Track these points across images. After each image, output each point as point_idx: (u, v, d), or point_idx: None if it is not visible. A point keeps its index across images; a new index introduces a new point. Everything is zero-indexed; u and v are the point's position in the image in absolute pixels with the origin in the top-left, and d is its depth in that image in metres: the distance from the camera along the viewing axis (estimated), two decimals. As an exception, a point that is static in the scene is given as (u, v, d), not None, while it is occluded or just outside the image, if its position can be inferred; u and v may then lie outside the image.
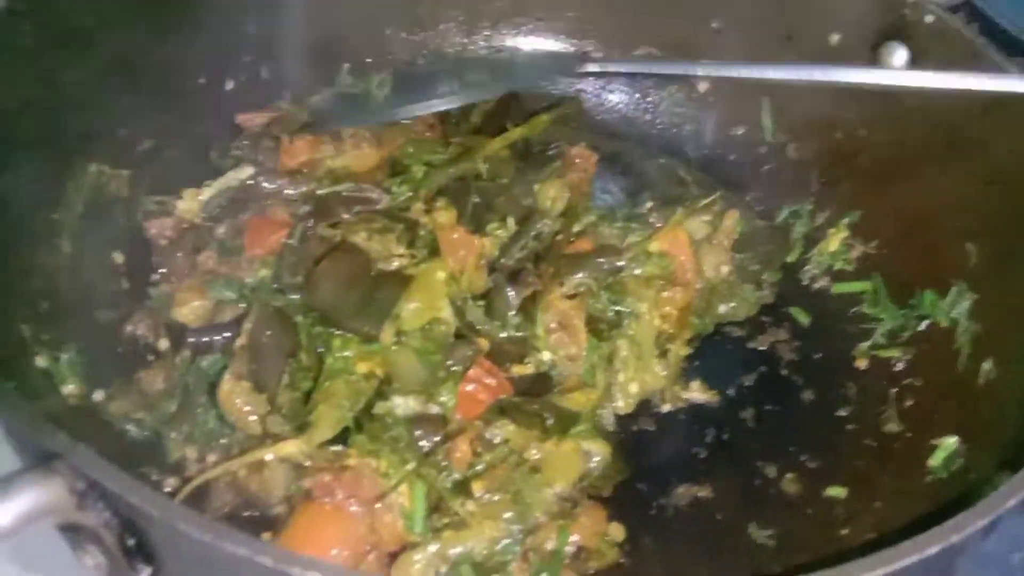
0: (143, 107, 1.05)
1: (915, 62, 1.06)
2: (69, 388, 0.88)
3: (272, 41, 1.15)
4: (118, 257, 1.02)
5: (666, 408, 1.00)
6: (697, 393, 1.02)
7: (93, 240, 1.00)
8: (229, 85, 1.15)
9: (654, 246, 1.02)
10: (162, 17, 1.05)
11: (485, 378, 0.90)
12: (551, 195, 1.07)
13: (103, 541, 0.59)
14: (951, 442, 0.89)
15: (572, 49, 1.28)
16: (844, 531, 0.88)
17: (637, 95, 1.28)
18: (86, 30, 0.97)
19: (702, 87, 1.26)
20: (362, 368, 0.89)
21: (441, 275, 0.95)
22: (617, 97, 1.29)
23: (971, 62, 1.00)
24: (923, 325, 1.02)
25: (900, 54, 1.07)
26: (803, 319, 1.09)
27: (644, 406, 0.99)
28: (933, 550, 0.55)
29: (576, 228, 1.04)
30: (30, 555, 0.75)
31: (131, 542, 0.59)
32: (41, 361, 0.87)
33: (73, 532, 0.60)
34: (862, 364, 1.04)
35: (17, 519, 0.55)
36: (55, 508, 0.56)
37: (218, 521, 0.56)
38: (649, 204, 1.06)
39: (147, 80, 1.05)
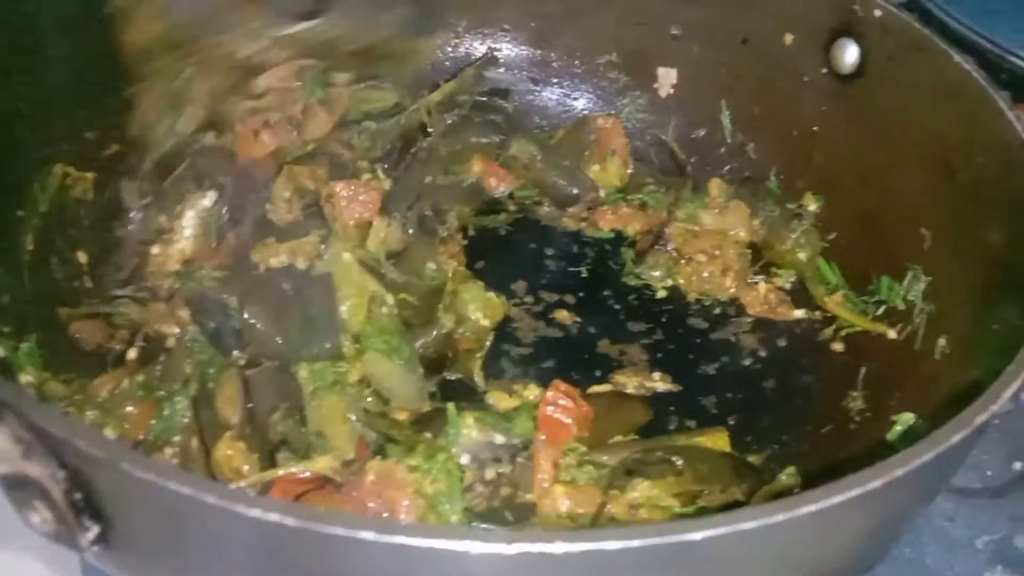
0: (111, 110, 1.07)
1: (866, 58, 1.09)
2: (26, 377, 0.87)
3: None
4: (82, 256, 1.03)
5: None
6: (660, 383, 1.02)
7: (57, 239, 1.00)
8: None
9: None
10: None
11: (561, 399, 0.89)
12: (610, 172, 1.14)
13: (49, 495, 0.58)
14: (908, 417, 0.89)
15: (538, 56, 1.31)
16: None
17: (601, 101, 1.31)
18: (52, 32, 0.99)
19: (663, 92, 1.29)
20: (353, 376, 0.89)
21: (347, 255, 0.94)
22: (581, 103, 1.32)
23: (919, 54, 1.02)
24: (881, 310, 1.03)
25: (852, 51, 1.10)
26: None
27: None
28: (876, 484, 0.55)
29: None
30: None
31: (78, 496, 0.59)
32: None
33: (19, 489, 0.59)
34: (838, 347, 1.06)
35: (-40, 466, 0.55)
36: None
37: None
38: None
39: (115, 83, 1.07)
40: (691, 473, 0.86)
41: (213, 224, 1.01)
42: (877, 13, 1.06)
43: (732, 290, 1.12)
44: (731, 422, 0.99)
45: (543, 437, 0.87)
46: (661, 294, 1.12)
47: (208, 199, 1.04)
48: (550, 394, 0.89)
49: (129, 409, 0.85)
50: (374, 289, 0.93)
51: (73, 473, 0.58)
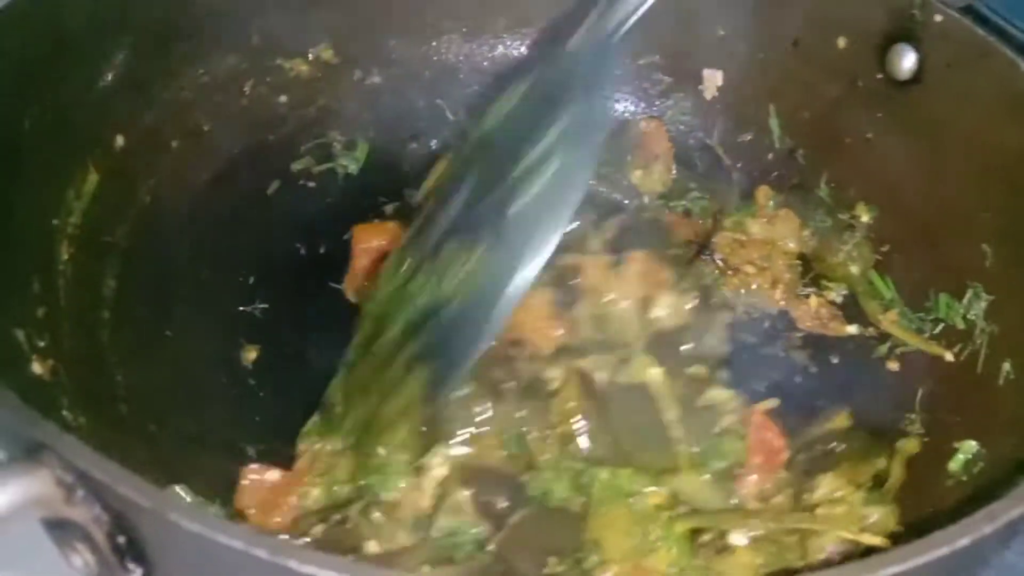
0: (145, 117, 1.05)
1: (924, 64, 1.04)
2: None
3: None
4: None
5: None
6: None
7: (92, 248, 0.98)
8: (243, 101, 1.15)
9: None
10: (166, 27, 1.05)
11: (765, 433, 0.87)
12: (653, 178, 1.11)
13: (92, 538, 0.56)
14: (971, 445, 0.86)
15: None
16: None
17: (643, 104, 1.27)
18: (87, 37, 0.97)
19: (709, 94, 1.25)
20: (654, 500, 0.82)
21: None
22: (622, 107, 1.28)
23: (982, 62, 0.98)
24: (939, 328, 1.00)
25: (909, 57, 1.06)
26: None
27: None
28: (964, 542, 0.52)
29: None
30: (14, 555, 0.72)
31: (121, 539, 0.57)
32: (37, 368, 0.84)
33: (60, 529, 0.57)
34: (893, 366, 1.02)
35: (3, 511, 0.53)
36: (42, 501, 0.54)
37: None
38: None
39: (149, 90, 1.06)
40: (852, 454, 0.86)
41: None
42: (937, 18, 1.02)
43: (782, 303, 1.09)
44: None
45: (758, 461, 0.84)
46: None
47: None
48: (758, 417, 0.86)
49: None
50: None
51: (116, 517, 0.56)
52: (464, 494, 0.79)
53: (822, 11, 1.12)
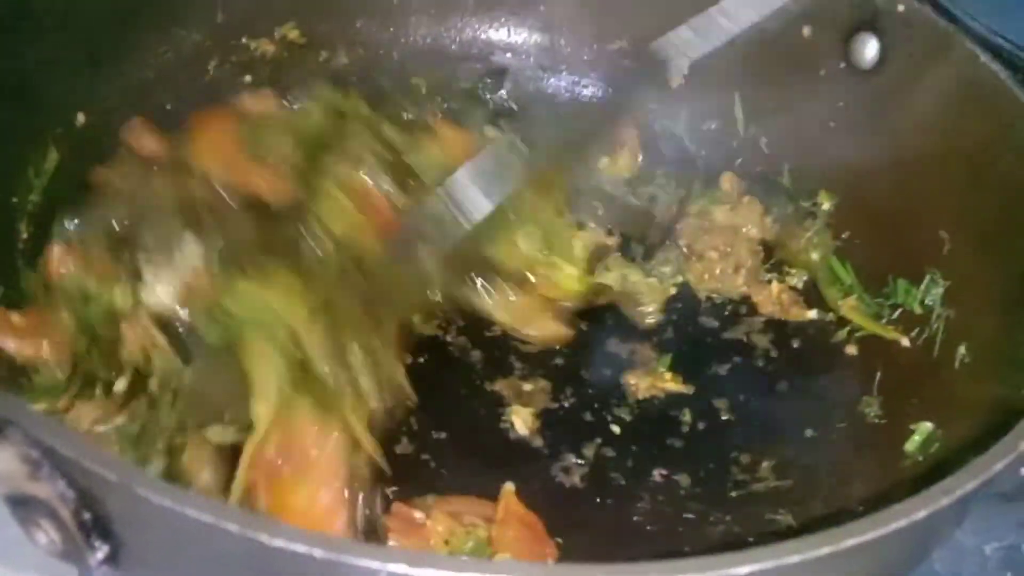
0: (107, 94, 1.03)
1: (886, 53, 1.06)
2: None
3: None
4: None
5: (641, 396, 0.99)
6: (671, 384, 1.00)
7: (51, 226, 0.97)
8: (206, 79, 1.13)
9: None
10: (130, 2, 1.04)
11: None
12: (619, 164, 1.14)
13: (57, 515, 0.56)
14: (927, 427, 0.88)
15: (546, 41, 1.28)
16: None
17: (610, 90, 1.28)
18: (48, 8, 0.95)
19: (674, 82, 1.25)
20: None
21: None
22: (590, 92, 1.28)
23: (943, 52, 1.00)
24: (897, 313, 1.02)
25: (872, 46, 1.07)
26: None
27: (619, 395, 0.98)
28: (922, 514, 0.54)
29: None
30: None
31: (87, 516, 0.56)
32: (-6, 345, 0.84)
33: (24, 507, 0.57)
34: (852, 350, 1.04)
35: (-35, 488, 0.52)
36: (6, 477, 0.53)
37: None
38: None
39: (111, 67, 1.04)
40: None
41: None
42: (900, 8, 1.04)
43: (744, 288, 1.10)
44: (744, 424, 0.97)
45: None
46: (671, 291, 1.10)
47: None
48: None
49: None
50: None
51: (82, 493, 0.55)
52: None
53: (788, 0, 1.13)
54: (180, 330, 0.86)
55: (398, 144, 1.02)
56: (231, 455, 0.80)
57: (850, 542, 0.52)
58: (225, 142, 1.02)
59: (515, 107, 1.26)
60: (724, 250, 1.12)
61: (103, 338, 0.86)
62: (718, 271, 1.11)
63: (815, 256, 1.11)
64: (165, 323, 0.86)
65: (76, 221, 0.93)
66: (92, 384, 0.84)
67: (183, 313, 0.86)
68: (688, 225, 1.14)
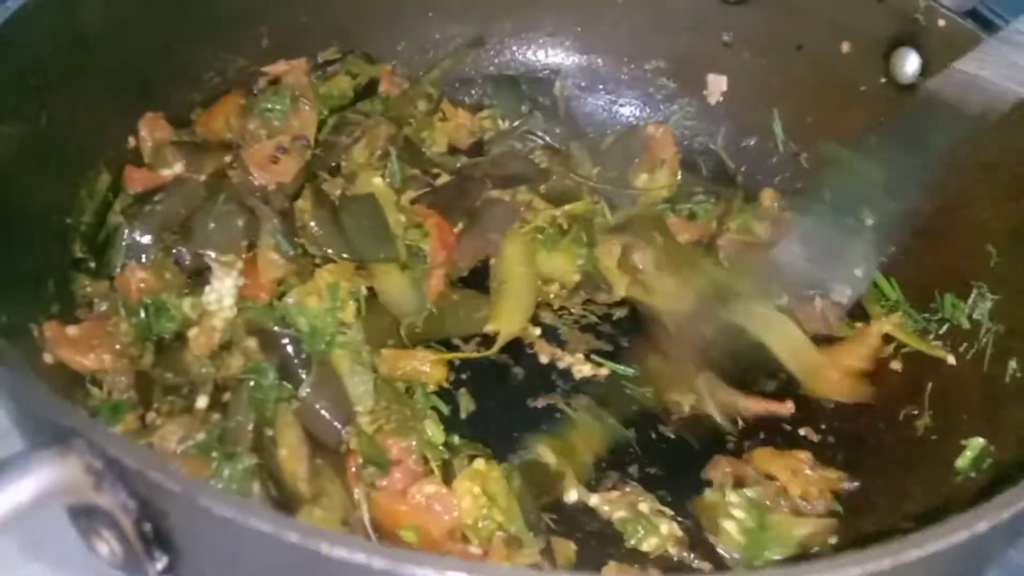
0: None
1: (928, 68, 1.06)
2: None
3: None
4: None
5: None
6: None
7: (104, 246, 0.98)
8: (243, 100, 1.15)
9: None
10: (177, 26, 1.06)
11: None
12: (659, 182, 1.14)
13: (119, 525, 0.56)
14: (978, 442, 0.87)
15: (584, 61, 1.29)
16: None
17: (648, 108, 1.28)
18: (102, 38, 0.97)
19: (713, 99, 1.26)
20: None
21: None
22: (628, 111, 1.29)
23: (985, 65, 0.99)
24: (944, 328, 1.00)
25: (912, 60, 1.07)
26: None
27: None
28: (982, 527, 0.53)
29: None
30: (40, 544, 0.72)
31: (148, 527, 0.57)
32: (49, 359, 0.85)
33: (86, 517, 0.58)
34: (898, 365, 1.03)
35: (33, 498, 0.53)
36: (71, 487, 0.54)
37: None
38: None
39: (161, 91, 1.06)
40: None
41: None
42: (941, 23, 1.03)
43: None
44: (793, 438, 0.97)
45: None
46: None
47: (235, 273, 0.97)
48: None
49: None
50: None
51: (144, 504, 0.56)
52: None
53: (826, 16, 1.14)
54: (285, 343, 0.88)
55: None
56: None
57: (912, 553, 0.51)
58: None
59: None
60: (766, 266, 1.11)
61: (171, 347, 0.87)
62: (761, 287, 1.10)
63: (859, 272, 1.10)
64: (261, 332, 0.88)
65: (149, 236, 0.95)
66: (155, 396, 0.85)
67: (281, 325, 0.89)
68: (729, 241, 1.14)
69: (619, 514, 0.88)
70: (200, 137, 1.09)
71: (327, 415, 0.84)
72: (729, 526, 0.86)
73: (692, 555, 0.86)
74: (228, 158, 1.05)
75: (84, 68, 0.95)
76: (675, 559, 0.86)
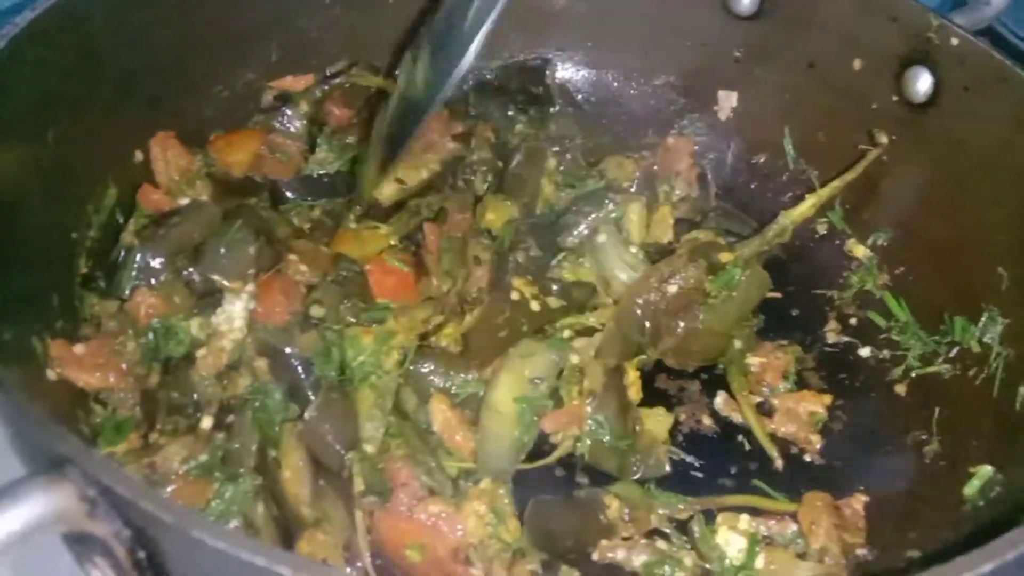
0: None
1: (940, 87, 1.05)
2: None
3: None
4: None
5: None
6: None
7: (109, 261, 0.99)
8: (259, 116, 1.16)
9: None
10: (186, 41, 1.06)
11: None
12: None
13: (113, 553, 0.56)
14: (987, 470, 0.86)
15: (594, 78, 1.28)
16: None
17: (657, 124, 1.27)
18: (111, 54, 0.98)
19: (723, 115, 1.25)
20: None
21: None
22: (638, 125, 1.28)
23: (999, 84, 0.98)
24: (954, 351, 0.99)
25: (925, 79, 1.06)
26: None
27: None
28: (987, 568, 0.52)
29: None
30: (34, 569, 0.72)
31: (141, 555, 0.57)
32: (52, 375, 0.85)
33: (80, 544, 0.57)
34: (901, 390, 1.02)
35: (27, 525, 0.53)
36: (65, 515, 0.54)
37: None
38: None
39: (169, 106, 1.06)
40: None
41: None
42: (954, 41, 1.02)
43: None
44: (798, 465, 0.96)
45: None
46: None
47: (246, 296, 0.96)
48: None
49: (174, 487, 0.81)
50: None
51: (138, 532, 0.56)
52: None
53: (838, 33, 1.13)
54: (296, 365, 0.88)
55: None
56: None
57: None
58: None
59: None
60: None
61: (178, 366, 0.88)
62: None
63: (869, 289, 1.09)
64: (273, 353, 0.88)
65: (160, 260, 0.95)
66: (159, 415, 0.85)
67: (292, 348, 0.89)
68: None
69: (641, 559, 0.87)
70: (220, 165, 1.09)
71: (331, 439, 0.83)
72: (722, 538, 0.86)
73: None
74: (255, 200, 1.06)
75: (92, 84, 0.96)
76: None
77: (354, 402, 0.87)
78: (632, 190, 1.16)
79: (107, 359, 0.88)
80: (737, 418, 1.00)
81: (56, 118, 0.91)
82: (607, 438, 0.93)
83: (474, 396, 0.93)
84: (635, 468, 0.93)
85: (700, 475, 0.95)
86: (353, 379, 0.88)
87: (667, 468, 0.94)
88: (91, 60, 0.95)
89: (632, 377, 0.99)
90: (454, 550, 0.82)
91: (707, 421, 1.00)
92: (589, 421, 0.93)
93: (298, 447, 0.83)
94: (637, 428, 0.95)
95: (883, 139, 1.10)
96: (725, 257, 1.05)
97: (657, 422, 0.97)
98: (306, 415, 0.84)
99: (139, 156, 1.05)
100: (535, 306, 1.02)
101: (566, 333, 1.02)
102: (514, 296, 1.01)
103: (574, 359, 0.99)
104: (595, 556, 0.87)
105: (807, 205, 1.12)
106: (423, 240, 1.04)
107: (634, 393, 0.98)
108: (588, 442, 0.94)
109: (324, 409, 0.84)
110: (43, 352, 0.85)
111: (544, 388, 0.94)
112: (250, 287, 0.93)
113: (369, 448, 0.86)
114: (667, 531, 0.89)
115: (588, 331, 1.04)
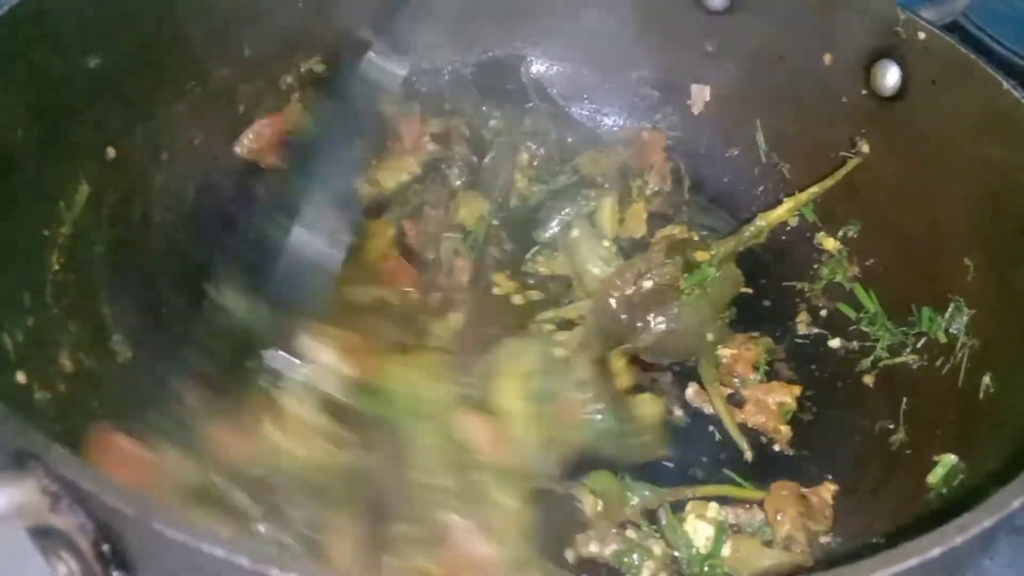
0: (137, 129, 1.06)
1: (908, 80, 1.06)
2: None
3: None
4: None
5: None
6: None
7: (82, 259, 0.99)
8: (240, 107, 1.16)
9: None
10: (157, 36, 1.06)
11: None
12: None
13: (77, 546, 0.57)
14: (950, 459, 0.87)
15: (568, 72, 1.29)
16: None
17: (631, 118, 1.28)
18: (81, 48, 0.98)
19: (696, 110, 1.26)
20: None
21: None
22: (611, 120, 1.29)
23: (965, 78, 0.99)
24: (922, 342, 1.00)
25: (893, 73, 1.07)
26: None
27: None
28: (935, 552, 0.53)
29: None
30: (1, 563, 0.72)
31: (106, 547, 0.57)
32: (22, 378, 0.85)
33: (46, 537, 0.58)
34: (869, 381, 1.03)
35: (-13, 520, 0.53)
36: (27, 509, 0.54)
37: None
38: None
39: (142, 102, 1.06)
40: None
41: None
42: (921, 35, 1.03)
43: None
44: (767, 455, 0.97)
45: None
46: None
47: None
48: None
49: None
50: None
51: (101, 525, 0.56)
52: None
53: (808, 28, 1.14)
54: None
55: None
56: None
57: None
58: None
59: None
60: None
61: None
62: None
63: (839, 281, 1.11)
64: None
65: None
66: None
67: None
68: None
69: (611, 548, 0.87)
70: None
71: None
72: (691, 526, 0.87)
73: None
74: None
75: (62, 79, 0.95)
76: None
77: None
78: (606, 185, 1.18)
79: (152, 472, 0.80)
80: (708, 409, 1.01)
81: (24, 115, 0.90)
82: (609, 424, 0.93)
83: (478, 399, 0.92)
84: (637, 451, 0.94)
85: (671, 465, 0.95)
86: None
87: (667, 450, 0.95)
88: (60, 55, 0.94)
89: (619, 366, 1.00)
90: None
91: (678, 412, 1.00)
92: (587, 410, 0.94)
93: None
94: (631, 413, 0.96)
95: (864, 148, 1.11)
96: (701, 255, 1.07)
97: (648, 406, 0.98)
98: None
99: (111, 153, 1.05)
100: (518, 300, 1.04)
101: (547, 327, 1.04)
102: (496, 291, 1.01)
103: (559, 352, 1.00)
104: (569, 553, 0.88)
105: (784, 209, 1.14)
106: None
107: (623, 381, 0.99)
108: (588, 431, 0.94)
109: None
110: (13, 351, 0.84)
111: (542, 382, 0.94)
112: None
113: None
114: (637, 521, 0.90)
115: (568, 324, 1.05)
